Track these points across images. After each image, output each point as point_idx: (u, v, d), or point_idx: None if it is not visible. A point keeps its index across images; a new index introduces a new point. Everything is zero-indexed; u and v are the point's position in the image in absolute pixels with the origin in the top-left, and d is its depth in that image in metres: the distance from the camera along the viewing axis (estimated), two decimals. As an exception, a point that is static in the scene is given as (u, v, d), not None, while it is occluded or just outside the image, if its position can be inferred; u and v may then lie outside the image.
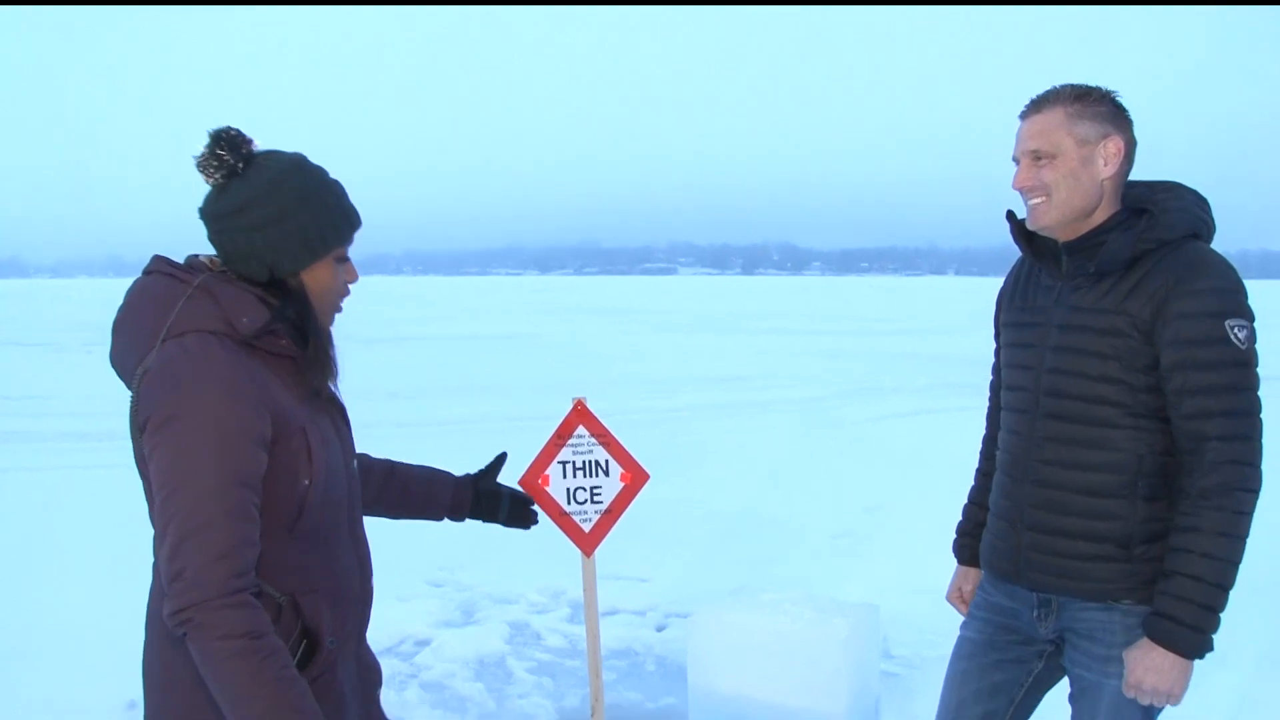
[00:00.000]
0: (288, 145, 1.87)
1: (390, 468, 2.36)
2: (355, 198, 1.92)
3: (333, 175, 1.88)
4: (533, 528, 2.61)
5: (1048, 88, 2.23)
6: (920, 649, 4.65)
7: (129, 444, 1.76)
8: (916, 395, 14.34)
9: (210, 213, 1.80)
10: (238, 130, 1.78)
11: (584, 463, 3.42)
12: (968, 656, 2.46)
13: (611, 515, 3.44)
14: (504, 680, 4.59)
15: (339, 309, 1.93)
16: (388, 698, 4.42)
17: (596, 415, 3.40)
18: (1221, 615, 2.08)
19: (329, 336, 1.91)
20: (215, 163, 1.77)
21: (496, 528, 2.60)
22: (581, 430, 3.41)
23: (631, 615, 5.35)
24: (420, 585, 5.83)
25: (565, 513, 3.43)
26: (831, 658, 3.05)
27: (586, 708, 4.17)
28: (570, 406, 3.40)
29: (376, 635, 5.15)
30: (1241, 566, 2.08)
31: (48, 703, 4.19)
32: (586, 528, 3.44)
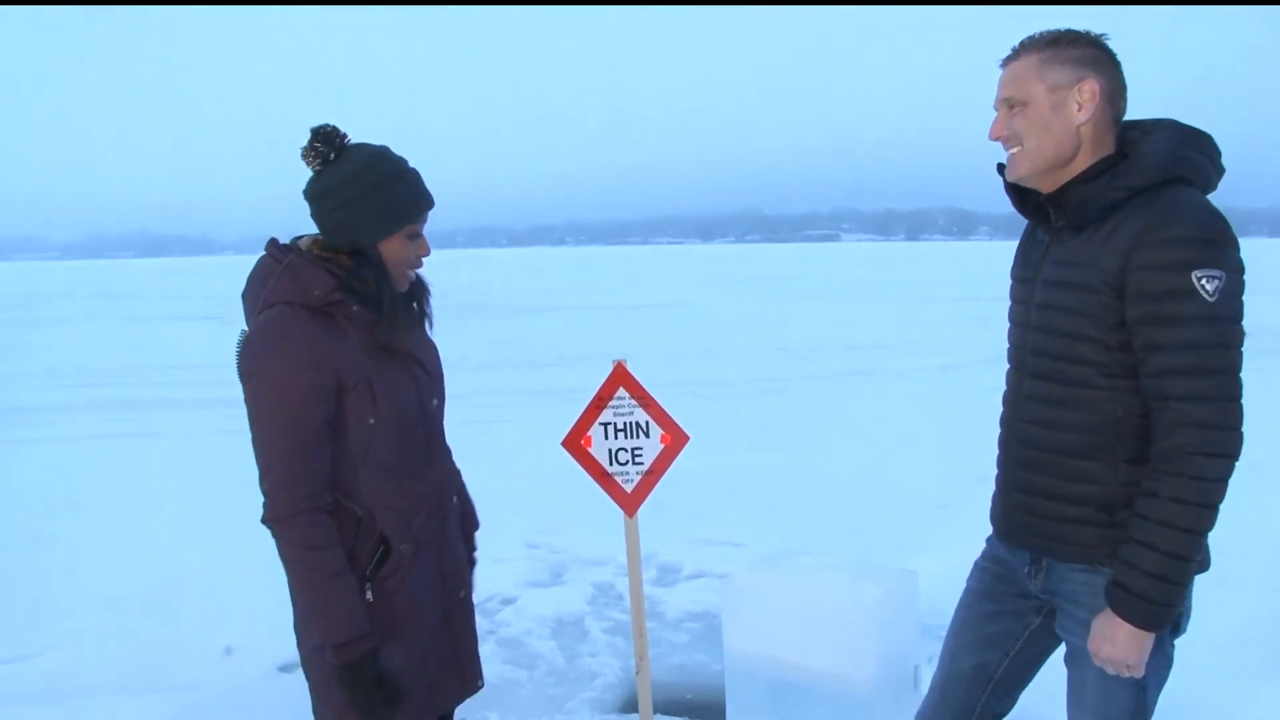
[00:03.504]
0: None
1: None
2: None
3: (411, 165, 2.21)
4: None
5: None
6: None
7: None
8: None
9: (308, 194, 2.16)
10: (333, 127, 2.13)
11: (625, 424, 3.43)
12: (966, 606, 2.39)
13: (653, 476, 3.45)
14: (578, 639, 4.67)
15: (410, 278, 2.27)
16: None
17: (636, 378, 3.41)
18: (1181, 587, 1.94)
19: (400, 301, 2.22)
20: (313, 153, 2.13)
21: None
22: (622, 392, 3.42)
23: (715, 579, 5.35)
24: (517, 547, 5.97)
25: (608, 474, 3.46)
26: (861, 623, 2.99)
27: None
28: (611, 368, 3.42)
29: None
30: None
31: (151, 644, 4.51)
32: (628, 488, 3.46)
